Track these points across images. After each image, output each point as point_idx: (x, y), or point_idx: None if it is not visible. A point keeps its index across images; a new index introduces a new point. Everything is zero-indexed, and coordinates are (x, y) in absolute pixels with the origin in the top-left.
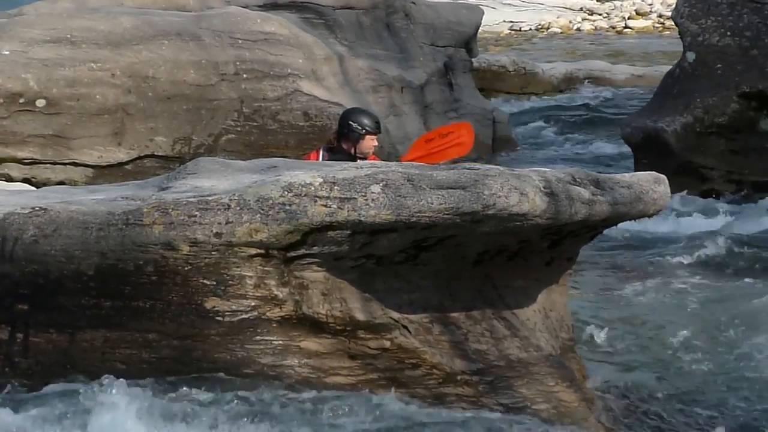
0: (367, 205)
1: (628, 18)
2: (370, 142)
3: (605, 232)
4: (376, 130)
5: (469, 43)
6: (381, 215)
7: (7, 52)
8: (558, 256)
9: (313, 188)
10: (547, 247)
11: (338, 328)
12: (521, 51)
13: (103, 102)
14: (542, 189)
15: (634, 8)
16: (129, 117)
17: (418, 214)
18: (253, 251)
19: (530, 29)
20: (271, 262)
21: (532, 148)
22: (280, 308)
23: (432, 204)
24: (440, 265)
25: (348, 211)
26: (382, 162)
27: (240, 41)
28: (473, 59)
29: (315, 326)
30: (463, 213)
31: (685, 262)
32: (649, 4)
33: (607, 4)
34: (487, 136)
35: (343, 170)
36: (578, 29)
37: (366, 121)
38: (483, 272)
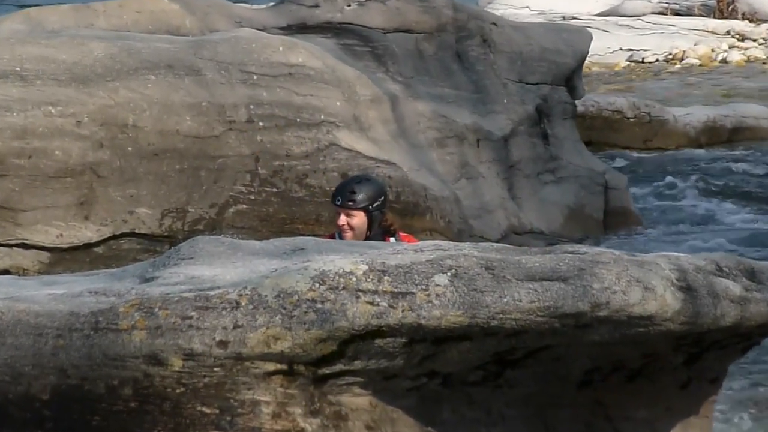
0: (430, 302)
1: None
2: (338, 218)
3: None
4: (334, 201)
5: (571, 79)
6: (449, 317)
7: None
8: (697, 377)
9: (354, 279)
10: (682, 363)
11: None
12: (644, 91)
13: (65, 160)
14: (675, 282)
15: None
16: (100, 181)
17: (501, 316)
18: (272, 367)
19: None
20: (296, 382)
21: (659, 225)
22: None
23: (520, 301)
24: (532, 388)
25: (403, 310)
26: (451, 243)
27: (255, 77)
28: (577, 101)
29: None
30: (564, 315)
31: None
32: None
33: (765, 26)
34: (596, 208)
35: (397, 254)
36: (724, 60)
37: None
38: (592, 398)
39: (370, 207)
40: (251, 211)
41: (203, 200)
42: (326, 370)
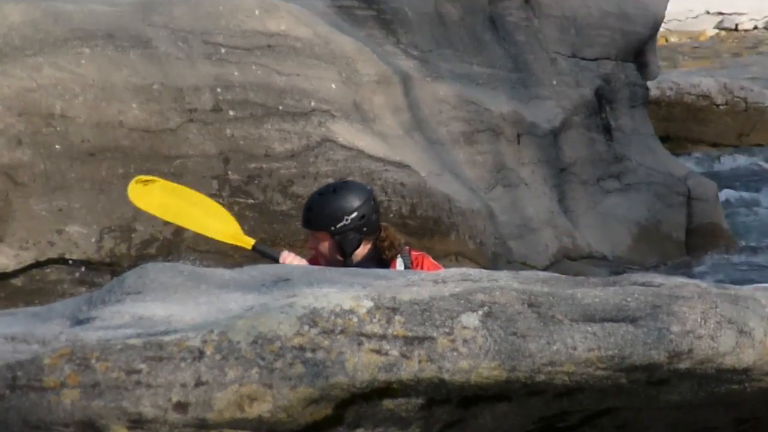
0: (455, 350)
1: None
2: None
3: None
4: (302, 221)
5: (642, 53)
6: (481, 369)
7: None
8: None
9: (356, 320)
10: None
11: None
12: (739, 69)
13: None
14: None
15: None
16: (19, 189)
17: (549, 369)
18: None
19: (755, 28)
20: None
21: (759, 247)
22: None
23: (575, 349)
24: None
25: (420, 361)
26: (483, 271)
27: (223, 50)
28: (650, 82)
29: None
30: (633, 367)
31: None
32: None
33: None
34: (676, 225)
35: (412, 286)
36: None
37: None
38: None
39: (333, 228)
40: None
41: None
42: None
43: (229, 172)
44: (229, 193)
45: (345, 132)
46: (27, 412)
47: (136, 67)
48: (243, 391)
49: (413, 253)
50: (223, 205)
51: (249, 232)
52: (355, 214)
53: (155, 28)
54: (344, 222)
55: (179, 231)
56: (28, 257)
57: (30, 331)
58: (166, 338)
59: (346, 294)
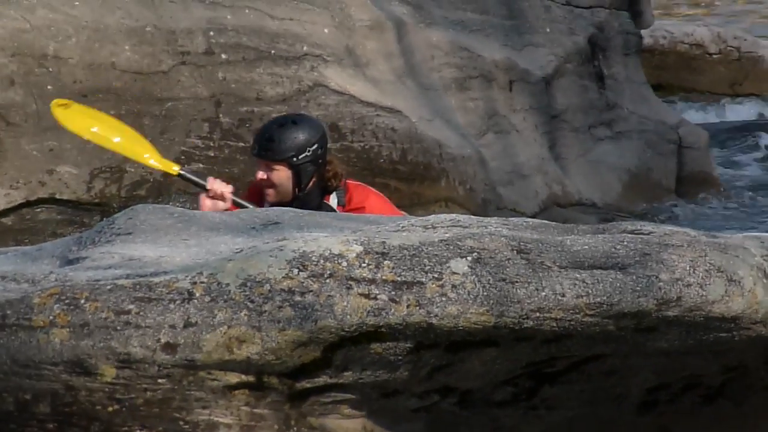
0: (444, 296)
1: None
2: (257, 172)
3: None
4: (252, 150)
5: (636, 2)
6: (469, 314)
7: None
8: None
9: (345, 264)
10: None
11: None
12: (733, 17)
13: None
14: None
15: None
16: (10, 129)
17: (538, 315)
18: (235, 379)
19: None
20: (266, 399)
21: (749, 196)
22: None
23: (563, 296)
24: (577, 411)
25: (408, 306)
26: (473, 217)
27: None
28: (643, 31)
29: None
30: (621, 314)
31: None
32: None
33: None
34: (666, 173)
35: (401, 231)
36: None
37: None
38: (657, 424)
39: (295, 159)
40: (210, 171)
41: None
42: (306, 384)
43: (221, 116)
44: (220, 136)
45: (337, 77)
46: (16, 351)
47: (130, 9)
48: (231, 333)
49: (349, 183)
50: (214, 148)
51: (240, 175)
52: (315, 146)
53: None
54: (306, 153)
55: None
56: (18, 196)
57: (20, 270)
58: (156, 279)
59: (335, 238)
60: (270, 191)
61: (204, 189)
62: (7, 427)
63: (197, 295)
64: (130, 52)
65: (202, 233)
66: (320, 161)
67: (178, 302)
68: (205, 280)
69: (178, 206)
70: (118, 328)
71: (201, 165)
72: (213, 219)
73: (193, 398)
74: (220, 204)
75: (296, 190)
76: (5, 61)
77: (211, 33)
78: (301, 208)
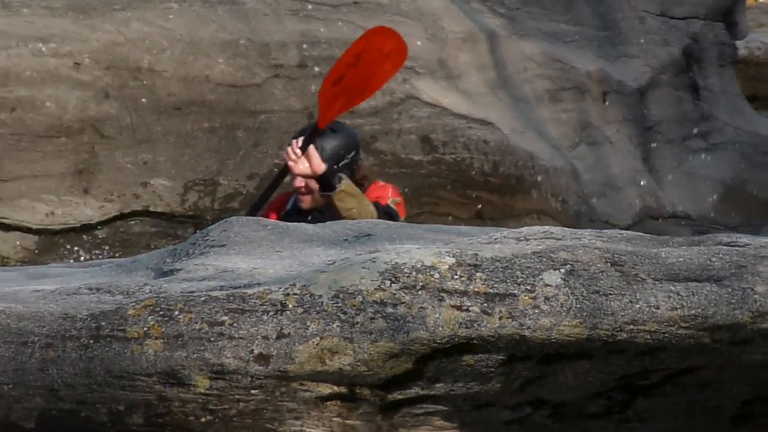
0: (537, 308)
1: None
2: (294, 179)
3: None
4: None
5: (731, 12)
6: (562, 327)
7: None
8: None
9: (437, 276)
10: None
11: None
12: None
13: (59, 114)
14: None
15: None
16: (105, 142)
17: (631, 327)
18: (327, 390)
19: None
20: (358, 410)
21: None
22: None
23: (657, 308)
24: (670, 423)
25: (501, 318)
26: (566, 229)
27: (310, 6)
28: (738, 42)
29: None
30: (716, 326)
31: None
32: None
33: None
34: (762, 184)
35: (494, 243)
36: None
37: None
38: None
39: (335, 167)
40: None
41: (239, 169)
42: (398, 395)
43: None
44: None
45: (429, 89)
46: (110, 362)
47: (224, 22)
48: (324, 344)
49: (374, 184)
50: None
51: None
52: (353, 153)
53: None
54: (345, 161)
55: (263, 185)
56: (112, 209)
57: (114, 282)
58: (249, 291)
59: (427, 250)
60: (307, 198)
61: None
62: None
63: (290, 306)
64: (224, 65)
65: (295, 245)
66: (354, 167)
67: (271, 314)
68: (298, 291)
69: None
70: (212, 339)
71: None
72: (306, 231)
73: (286, 409)
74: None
75: (330, 192)
76: (100, 74)
77: (304, 46)
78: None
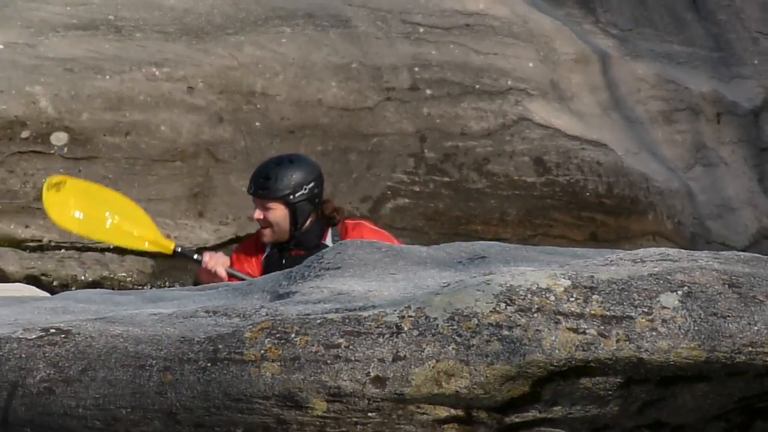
0: (654, 330)
1: None
2: (253, 211)
3: None
4: (248, 189)
5: None
6: (680, 349)
7: (0, 47)
8: None
9: (553, 298)
10: None
11: None
12: None
13: (173, 138)
14: None
15: None
16: (219, 166)
17: (750, 350)
18: (444, 413)
19: None
20: None
21: None
22: None
23: None
24: None
25: (618, 340)
26: (682, 251)
27: (421, 29)
28: None
29: None
30: None
31: None
32: None
33: None
34: None
35: (610, 265)
36: None
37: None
38: None
39: (291, 197)
40: (415, 206)
41: (353, 192)
42: (515, 418)
43: (426, 151)
44: (425, 171)
45: (542, 110)
46: (228, 385)
47: (336, 46)
48: (440, 367)
49: (348, 222)
50: (419, 183)
51: (444, 210)
52: (312, 184)
53: (355, 7)
54: (302, 191)
55: (376, 208)
56: (228, 232)
57: (231, 305)
58: (365, 313)
59: (543, 272)
60: (267, 231)
61: (199, 264)
62: None
63: (405, 329)
64: (337, 89)
65: (410, 267)
66: (317, 200)
67: (386, 336)
68: (413, 314)
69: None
70: (328, 361)
71: (406, 200)
72: (420, 253)
73: (403, 431)
74: (218, 275)
75: (293, 228)
76: (213, 98)
77: (416, 69)
78: (297, 247)
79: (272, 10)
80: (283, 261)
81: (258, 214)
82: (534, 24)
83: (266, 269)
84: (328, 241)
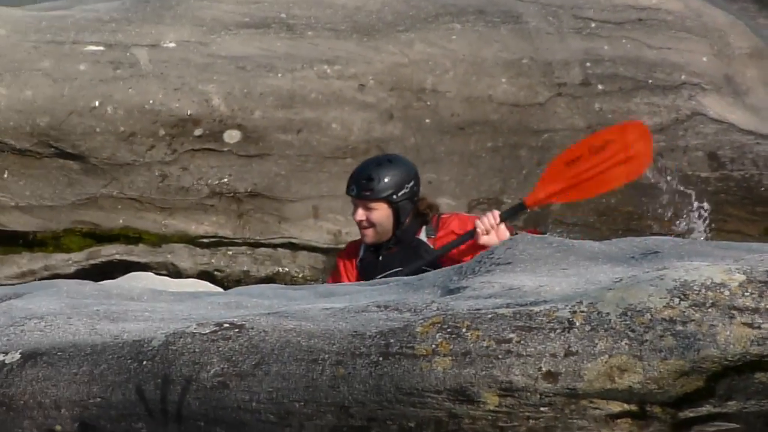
0: None
1: None
2: (354, 212)
3: None
4: (348, 191)
5: None
6: None
7: (173, 45)
8: None
9: (727, 293)
10: None
11: None
12: None
13: (345, 135)
14: None
15: None
16: None
17: None
18: (617, 407)
19: None
20: (649, 428)
21: None
22: None
23: None
24: None
25: None
26: None
27: (593, 24)
28: None
29: None
30: None
31: None
32: None
33: None
34: None
35: None
36: None
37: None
38: None
39: (395, 196)
40: (586, 201)
41: (523, 188)
42: (689, 413)
43: None
44: None
45: (716, 105)
46: (399, 379)
47: (507, 42)
48: (613, 362)
49: (443, 217)
50: None
51: (616, 205)
52: (412, 183)
53: (525, 3)
54: (404, 190)
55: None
56: None
57: (402, 300)
58: (536, 308)
59: (717, 267)
60: (369, 231)
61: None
62: None
63: (577, 324)
64: (507, 85)
65: (581, 263)
66: (415, 198)
67: (558, 331)
68: (585, 309)
69: (555, 236)
70: (500, 356)
71: None
72: (591, 248)
73: (576, 427)
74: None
75: (396, 228)
76: (384, 95)
77: (588, 64)
78: (397, 245)
79: (443, 7)
80: (380, 258)
81: (360, 215)
82: (708, 18)
83: (361, 272)
84: (422, 236)
